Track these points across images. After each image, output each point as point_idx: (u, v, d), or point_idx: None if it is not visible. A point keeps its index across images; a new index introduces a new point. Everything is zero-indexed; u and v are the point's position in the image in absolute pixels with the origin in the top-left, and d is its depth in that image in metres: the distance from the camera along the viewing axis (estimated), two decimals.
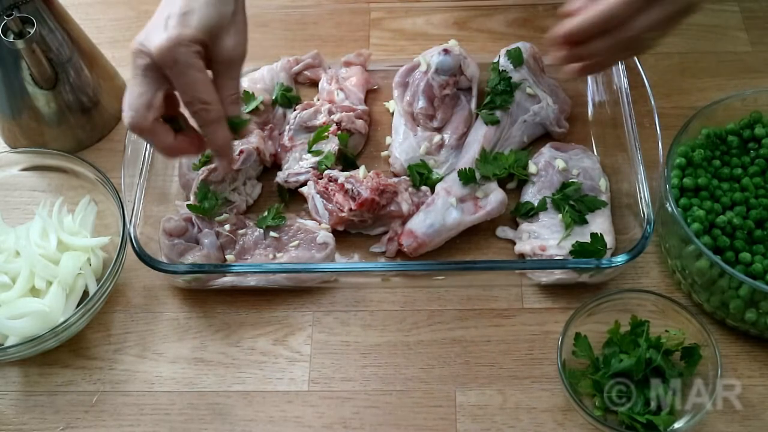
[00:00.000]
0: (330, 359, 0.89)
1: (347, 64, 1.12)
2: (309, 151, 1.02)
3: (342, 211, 0.94)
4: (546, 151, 0.99)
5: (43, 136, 1.07)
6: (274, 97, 1.07)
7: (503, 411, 0.85)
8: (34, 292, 0.90)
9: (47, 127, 1.06)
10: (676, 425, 0.80)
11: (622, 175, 0.96)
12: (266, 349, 0.91)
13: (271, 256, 0.94)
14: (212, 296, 0.95)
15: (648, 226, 0.86)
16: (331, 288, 0.94)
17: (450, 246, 0.95)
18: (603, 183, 0.96)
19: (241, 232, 0.95)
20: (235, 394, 0.88)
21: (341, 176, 0.96)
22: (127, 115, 0.77)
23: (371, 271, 0.93)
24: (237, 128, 0.81)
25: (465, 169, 0.96)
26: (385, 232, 0.96)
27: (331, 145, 1.01)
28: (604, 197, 0.95)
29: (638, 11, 0.70)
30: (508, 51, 1.04)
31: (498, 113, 1.01)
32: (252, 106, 1.04)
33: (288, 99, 1.08)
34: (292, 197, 1.01)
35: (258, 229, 0.96)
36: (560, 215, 0.93)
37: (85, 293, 0.92)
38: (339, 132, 1.01)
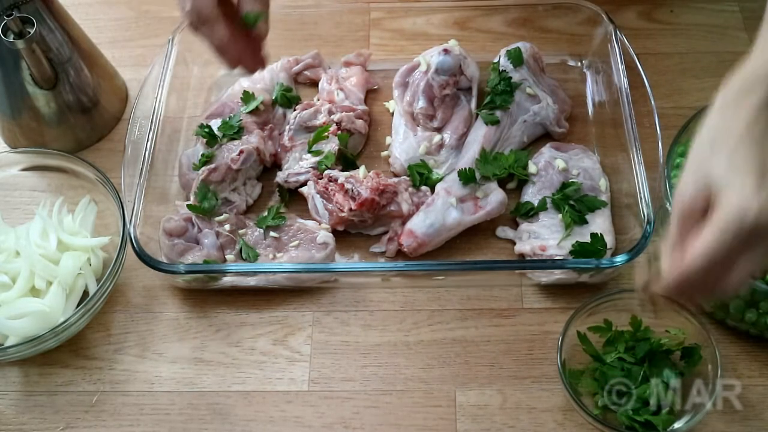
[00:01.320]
0: (330, 359, 0.89)
1: (347, 64, 1.12)
2: (309, 151, 1.02)
3: (342, 211, 0.94)
4: (546, 151, 0.99)
5: (43, 136, 1.07)
6: (274, 97, 1.07)
7: (503, 411, 0.85)
8: (34, 292, 0.90)
9: (47, 127, 1.06)
10: (676, 425, 0.80)
11: (622, 175, 0.96)
12: (266, 349, 0.91)
13: (271, 256, 0.94)
14: (212, 296, 0.95)
15: (648, 226, 0.86)
16: (331, 288, 0.94)
17: (450, 246, 0.95)
18: (603, 183, 0.96)
19: (241, 232, 0.95)
20: (235, 394, 0.88)
21: (341, 176, 0.96)
22: (188, 4, 0.78)
23: (371, 271, 0.93)
24: (252, 22, 0.83)
25: (465, 169, 0.96)
26: (385, 232, 0.96)
27: (331, 145, 1.01)
28: (604, 197, 0.95)
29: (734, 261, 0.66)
30: (508, 51, 1.04)
31: (498, 113, 1.01)
32: (252, 106, 1.04)
33: (288, 99, 1.08)
34: (292, 197, 1.01)
35: (258, 229, 0.96)
36: (560, 215, 0.93)
37: (85, 293, 0.92)
38: (339, 132, 1.01)
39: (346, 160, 1.01)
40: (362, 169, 0.98)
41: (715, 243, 0.64)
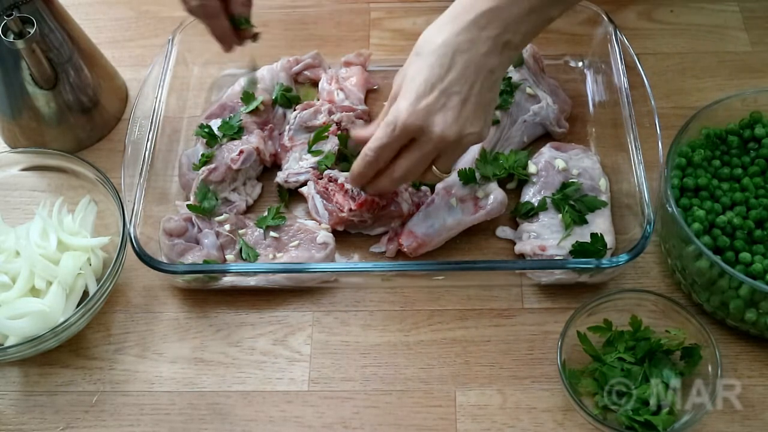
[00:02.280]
0: (330, 359, 0.89)
1: (347, 64, 1.12)
2: (309, 151, 1.02)
3: (342, 211, 0.94)
4: (546, 151, 0.99)
5: (43, 136, 1.07)
6: (274, 97, 1.07)
7: (503, 411, 0.85)
8: (34, 292, 0.90)
9: (47, 127, 1.06)
10: (676, 425, 0.80)
11: (622, 175, 0.96)
12: (266, 349, 0.91)
13: (271, 256, 0.94)
14: (212, 296, 0.95)
15: (648, 226, 0.86)
16: (331, 288, 0.94)
17: (450, 246, 0.95)
18: (603, 183, 0.96)
19: (241, 232, 0.95)
20: (235, 394, 0.88)
21: (341, 176, 0.96)
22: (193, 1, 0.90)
23: (371, 271, 0.93)
24: (239, 24, 0.95)
25: (465, 169, 0.96)
26: (385, 232, 0.96)
27: (331, 145, 1.01)
28: (604, 197, 0.95)
29: (397, 155, 0.83)
30: None
31: (498, 113, 1.01)
32: (252, 106, 1.04)
33: (288, 99, 1.08)
34: (292, 197, 1.01)
35: (258, 229, 0.96)
36: (560, 215, 0.93)
37: (85, 293, 0.92)
38: (339, 132, 1.01)
39: (346, 160, 1.01)
40: None
41: (377, 138, 0.81)
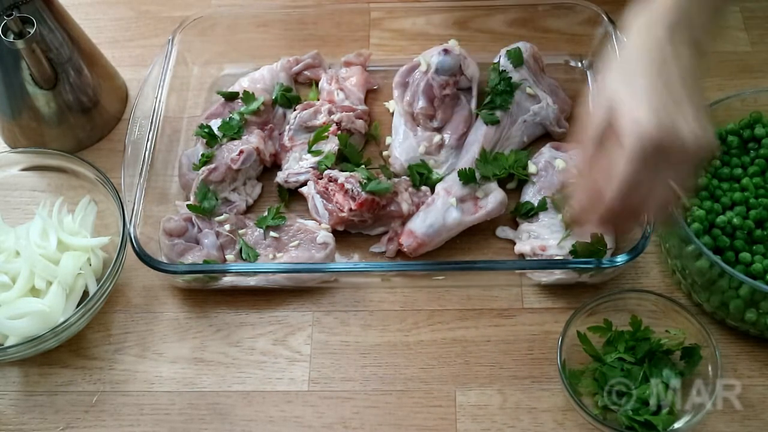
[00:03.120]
0: (330, 359, 0.89)
1: (347, 64, 1.12)
2: (309, 151, 1.02)
3: (342, 211, 0.94)
4: (546, 151, 0.99)
5: (43, 136, 1.07)
6: (274, 97, 1.07)
7: (503, 411, 0.85)
8: (34, 292, 0.90)
9: (47, 127, 1.06)
10: (676, 425, 0.80)
11: None
12: (266, 349, 0.91)
13: (271, 256, 0.94)
14: (212, 296, 0.95)
15: (648, 226, 0.86)
16: (331, 288, 0.94)
17: (450, 246, 0.95)
18: None
19: (241, 232, 0.95)
20: (235, 394, 0.88)
21: (341, 176, 0.96)
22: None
23: (371, 271, 0.93)
24: None
25: (465, 169, 0.96)
26: (385, 232, 0.96)
27: (331, 145, 1.01)
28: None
29: (650, 183, 0.70)
30: (508, 51, 1.04)
31: (498, 113, 1.01)
32: (253, 106, 1.04)
33: (288, 99, 1.08)
34: (292, 197, 1.01)
35: (258, 229, 0.96)
36: (560, 215, 0.93)
37: (85, 293, 0.92)
38: (339, 132, 1.01)
39: (346, 160, 1.01)
40: (362, 169, 0.98)
41: (625, 172, 0.68)
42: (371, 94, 1.11)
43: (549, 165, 0.97)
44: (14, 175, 1.00)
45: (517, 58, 1.03)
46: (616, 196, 0.69)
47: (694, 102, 0.69)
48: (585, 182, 0.74)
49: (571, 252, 0.89)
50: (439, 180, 0.98)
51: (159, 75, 1.03)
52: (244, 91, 1.05)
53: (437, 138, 1.01)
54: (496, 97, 1.01)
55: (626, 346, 0.84)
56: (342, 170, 0.98)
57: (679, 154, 0.68)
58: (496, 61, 1.04)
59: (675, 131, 0.67)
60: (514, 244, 0.94)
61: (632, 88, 0.70)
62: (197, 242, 0.95)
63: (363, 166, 0.99)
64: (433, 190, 0.97)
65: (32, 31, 0.95)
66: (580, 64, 1.11)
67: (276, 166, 1.04)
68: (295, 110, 1.06)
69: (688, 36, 0.72)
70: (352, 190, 0.94)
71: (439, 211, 0.93)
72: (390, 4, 1.16)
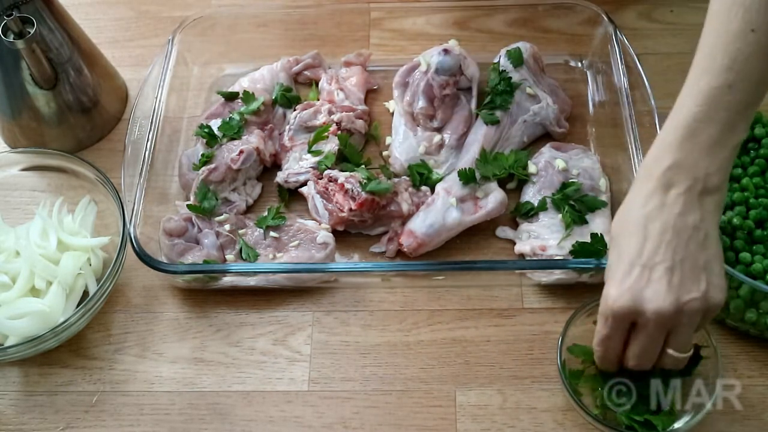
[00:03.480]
0: (330, 359, 0.89)
1: (347, 64, 1.12)
2: (309, 151, 1.02)
3: (342, 211, 0.94)
4: (546, 151, 0.99)
5: (43, 136, 1.07)
6: (274, 97, 1.07)
7: (503, 411, 0.85)
8: (34, 292, 0.90)
9: (47, 127, 1.06)
10: (676, 425, 0.80)
11: (622, 175, 0.96)
12: (266, 349, 0.91)
13: (271, 256, 0.94)
14: (212, 296, 0.95)
15: None
16: (331, 288, 0.94)
17: (450, 246, 0.95)
18: (603, 183, 0.96)
19: (241, 232, 0.95)
20: (235, 394, 0.88)
21: (341, 176, 0.96)
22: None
23: (371, 271, 0.93)
24: None
25: (465, 169, 0.96)
26: (385, 232, 0.96)
27: (331, 145, 1.01)
28: (604, 197, 0.95)
29: (626, 344, 0.76)
30: (508, 51, 1.04)
31: (498, 113, 1.01)
32: (253, 106, 1.04)
33: (288, 99, 1.08)
34: (292, 197, 1.01)
35: (258, 229, 0.96)
36: (560, 215, 0.93)
37: (85, 293, 0.92)
38: (339, 132, 1.01)
39: (346, 160, 1.01)
40: (362, 169, 0.98)
41: (597, 332, 0.77)
42: (371, 94, 1.11)
43: (549, 165, 0.97)
44: (14, 175, 1.00)
45: (517, 58, 1.03)
46: (598, 349, 0.78)
47: (669, 265, 0.71)
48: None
49: (571, 252, 0.89)
50: (439, 180, 0.98)
51: (159, 75, 1.03)
52: (244, 91, 1.05)
53: (437, 138, 1.01)
54: (496, 97, 1.01)
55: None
56: (342, 170, 0.98)
57: (645, 321, 0.72)
58: (496, 61, 1.05)
59: (639, 303, 0.71)
60: (514, 244, 0.94)
61: (612, 264, 0.75)
62: (197, 242, 0.95)
63: (363, 166, 0.99)
64: (433, 190, 0.97)
65: (32, 31, 0.95)
66: (580, 64, 1.11)
67: (276, 166, 1.04)
68: (295, 110, 1.06)
69: (683, 185, 0.71)
70: (352, 190, 0.94)
71: (439, 211, 0.93)
72: (390, 4, 1.16)
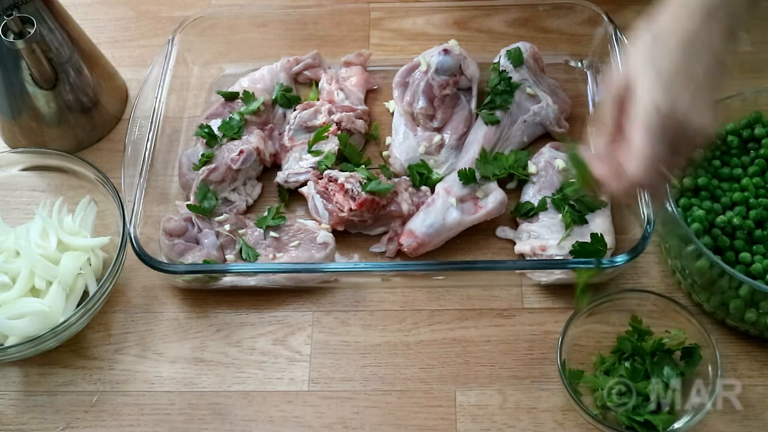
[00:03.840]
0: (330, 359, 0.89)
1: (347, 64, 1.12)
2: (309, 151, 1.02)
3: (342, 211, 0.94)
4: (546, 151, 0.99)
5: (43, 136, 1.07)
6: (274, 97, 1.07)
7: (503, 411, 0.85)
8: (34, 292, 0.90)
9: (47, 127, 1.06)
10: (676, 425, 0.80)
11: None
12: (266, 349, 0.91)
13: (271, 256, 0.94)
14: (212, 296, 0.95)
15: (648, 226, 0.86)
16: (331, 288, 0.94)
17: (450, 246, 0.95)
18: None
19: (241, 232, 0.95)
20: (235, 394, 0.88)
21: (341, 176, 0.96)
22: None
23: (371, 271, 0.93)
24: None
25: (465, 169, 0.96)
26: (385, 232, 0.96)
27: (331, 145, 1.01)
28: (604, 197, 0.95)
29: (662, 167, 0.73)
30: (508, 51, 1.04)
31: (498, 113, 1.01)
32: (253, 106, 1.04)
33: (288, 99, 1.08)
34: (292, 197, 1.01)
35: (258, 229, 0.96)
36: (560, 215, 0.93)
37: (85, 293, 0.92)
38: (339, 132, 1.01)
39: (346, 160, 1.01)
40: (362, 169, 0.98)
41: (647, 145, 0.71)
42: (371, 94, 1.11)
43: (549, 165, 0.97)
44: (14, 175, 1.00)
45: (517, 58, 1.03)
46: (641, 170, 0.72)
47: (712, 92, 0.72)
48: (609, 159, 0.76)
49: (571, 252, 0.89)
50: (439, 180, 0.98)
51: (159, 75, 1.03)
52: (244, 91, 1.05)
53: (437, 138, 1.01)
54: (496, 97, 1.01)
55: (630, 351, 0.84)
56: (342, 170, 0.98)
57: (682, 140, 0.71)
58: (496, 61, 1.05)
59: (686, 119, 0.70)
60: (514, 244, 0.94)
61: (655, 68, 0.72)
62: (197, 242, 0.95)
63: (363, 166, 0.99)
64: (433, 190, 0.97)
65: (32, 31, 0.95)
66: (580, 64, 1.11)
67: (276, 166, 1.04)
68: (295, 110, 1.06)
69: (724, 22, 0.73)
70: (352, 190, 0.94)
71: (439, 211, 0.93)
72: (390, 4, 1.16)
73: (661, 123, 0.71)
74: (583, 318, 0.86)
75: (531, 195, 0.96)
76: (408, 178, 0.99)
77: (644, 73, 0.73)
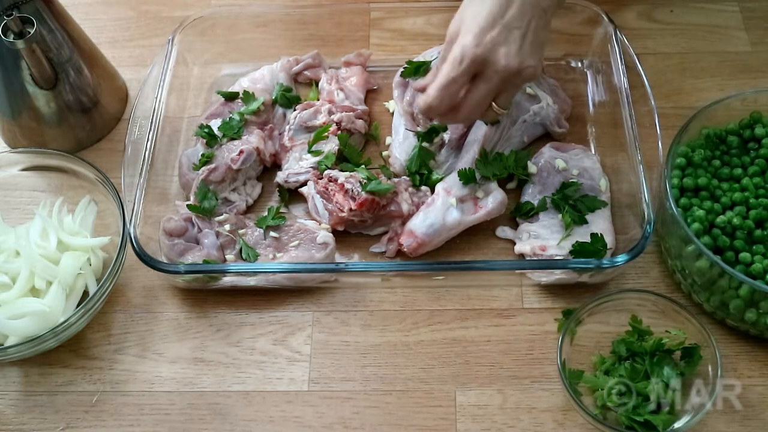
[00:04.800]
0: (330, 359, 0.89)
1: (347, 64, 1.12)
2: (309, 151, 1.02)
3: (342, 211, 0.94)
4: (546, 151, 0.99)
5: (43, 136, 1.07)
6: (274, 97, 1.07)
7: (503, 411, 0.85)
8: (34, 292, 0.90)
9: (47, 127, 1.06)
10: (676, 425, 0.80)
11: (622, 175, 0.96)
12: (266, 349, 0.91)
13: (271, 256, 0.94)
14: (212, 296, 0.95)
15: (648, 226, 0.86)
16: (331, 288, 0.94)
17: (450, 246, 0.95)
18: (603, 183, 0.96)
19: (241, 232, 0.95)
20: (235, 394, 0.88)
21: (341, 176, 0.96)
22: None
23: (371, 271, 0.93)
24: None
25: (465, 169, 0.96)
26: (385, 232, 0.96)
27: (331, 145, 1.01)
28: (604, 197, 0.95)
29: (466, 91, 0.87)
30: None
31: None
32: (253, 106, 1.04)
33: (288, 99, 1.08)
34: (292, 197, 1.01)
35: (258, 229, 0.96)
36: (560, 215, 0.93)
37: (85, 293, 0.92)
38: (339, 132, 1.01)
39: (346, 160, 1.01)
40: (362, 169, 0.98)
41: (445, 74, 0.85)
42: (371, 94, 1.11)
43: (549, 165, 0.97)
44: (14, 175, 1.00)
45: None
46: (434, 91, 0.86)
47: (525, 33, 0.84)
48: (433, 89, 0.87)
49: (571, 252, 0.89)
50: (439, 180, 0.98)
51: (159, 75, 1.03)
52: (244, 91, 1.05)
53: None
54: None
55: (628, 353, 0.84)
56: (342, 170, 0.98)
57: (492, 73, 0.84)
58: None
59: (493, 55, 0.83)
60: (514, 244, 0.94)
61: (472, 13, 0.85)
62: (197, 242, 0.95)
63: (363, 166, 0.99)
64: (433, 190, 0.97)
65: (32, 31, 0.95)
66: (580, 64, 1.11)
67: (276, 166, 1.04)
68: (295, 110, 1.06)
69: None
70: (352, 190, 0.94)
71: (439, 211, 0.93)
72: (390, 4, 1.16)
73: (464, 57, 0.83)
74: (583, 318, 0.86)
75: (531, 195, 0.96)
76: (408, 178, 0.99)
77: (465, 17, 0.86)
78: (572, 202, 0.93)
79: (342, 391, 0.87)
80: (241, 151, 0.99)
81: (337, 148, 1.01)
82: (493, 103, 0.88)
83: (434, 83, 0.86)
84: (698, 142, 0.94)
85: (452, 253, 0.95)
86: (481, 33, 0.83)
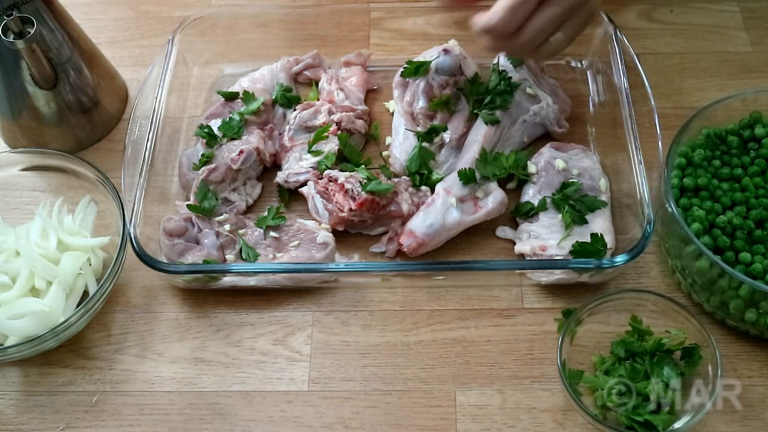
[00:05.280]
0: (330, 359, 0.89)
1: (347, 64, 1.12)
2: (309, 151, 1.02)
3: (342, 211, 0.94)
4: (546, 151, 0.99)
5: (43, 136, 1.07)
6: (274, 97, 1.07)
7: (503, 411, 0.85)
8: (34, 292, 0.90)
9: (47, 127, 1.06)
10: (676, 425, 0.80)
11: (622, 175, 0.96)
12: (266, 349, 0.91)
13: (271, 256, 0.94)
14: (212, 296, 0.95)
15: (648, 226, 0.86)
16: (331, 288, 0.94)
17: (450, 246, 0.95)
18: (603, 183, 0.96)
19: (241, 232, 0.95)
20: (235, 394, 0.88)
21: (341, 176, 0.96)
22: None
23: (371, 271, 0.93)
24: None
25: (465, 169, 0.96)
26: (385, 232, 0.96)
27: (331, 145, 1.01)
28: (604, 197, 0.95)
29: (531, 13, 0.84)
30: None
31: (498, 113, 1.01)
32: (253, 106, 1.04)
33: (288, 99, 1.08)
34: (292, 197, 1.01)
35: (258, 229, 0.96)
36: (560, 215, 0.93)
37: (85, 293, 0.92)
38: (339, 132, 1.01)
39: (346, 160, 1.01)
40: (362, 169, 0.98)
41: None
42: (371, 94, 1.11)
43: (549, 165, 0.97)
44: (14, 175, 1.00)
45: (517, 58, 1.03)
46: (497, 14, 0.83)
47: None
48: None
49: (571, 252, 0.89)
50: (439, 180, 0.98)
51: (159, 75, 1.03)
52: (244, 91, 1.05)
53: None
54: (496, 97, 1.01)
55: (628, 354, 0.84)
56: (342, 170, 0.98)
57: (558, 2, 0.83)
58: (496, 61, 1.04)
59: None
60: (514, 244, 0.94)
61: None
62: (197, 242, 0.95)
63: (363, 166, 0.99)
64: (433, 190, 0.97)
65: (32, 31, 0.95)
66: (580, 64, 1.11)
67: (276, 166, 1.04)
68: (295, 110, 1.06)
69: None
70: (352, 190, 0.94)
71: (439, 211, 0.93)
72: (390, 4, 1.16)
73: None
74: (583, 318, 0.86)
75: (531, 195, 0.96)
76: (408, 178, 0.99)
77: None
78: (572, 202, 0.93)
79: (342, 391, 0.87)
80: (241, 151, 0.99)
81: (337, 148, 1.01)
82: (551, 38, 0.86)
83: (502, 2, 0.83)
84: (698, 142, 0.94)
85: (452, 253, 0.95)
86: None
